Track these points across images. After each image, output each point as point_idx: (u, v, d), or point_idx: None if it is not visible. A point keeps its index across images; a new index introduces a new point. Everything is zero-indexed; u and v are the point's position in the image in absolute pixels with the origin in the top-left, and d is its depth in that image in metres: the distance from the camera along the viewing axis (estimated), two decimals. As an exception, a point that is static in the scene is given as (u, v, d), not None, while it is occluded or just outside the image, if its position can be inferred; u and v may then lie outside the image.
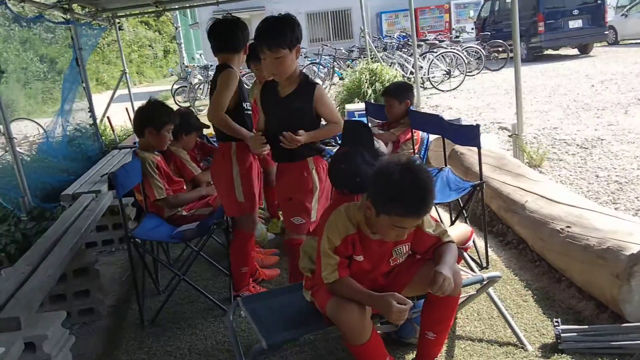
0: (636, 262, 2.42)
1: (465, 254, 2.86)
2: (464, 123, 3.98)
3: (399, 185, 1.90)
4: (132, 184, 3.22)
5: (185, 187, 3.62)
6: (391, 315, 1.94)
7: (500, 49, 14.09)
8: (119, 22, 9.08)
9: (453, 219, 3.68)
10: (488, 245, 3.50)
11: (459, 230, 2.97)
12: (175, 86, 15.48)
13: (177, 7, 9.67)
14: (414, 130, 4.08)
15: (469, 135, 3.25)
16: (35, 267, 2.94)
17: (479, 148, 3.19)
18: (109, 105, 8.79)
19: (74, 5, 6.61)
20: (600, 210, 3.07)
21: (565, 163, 5.23)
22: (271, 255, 3.82)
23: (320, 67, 14.21)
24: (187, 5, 11.10)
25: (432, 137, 4.53)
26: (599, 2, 15.22)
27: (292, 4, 18.51)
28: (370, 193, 2.01)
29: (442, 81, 11.50)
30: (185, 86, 14.66)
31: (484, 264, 3.33)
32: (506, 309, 2.76)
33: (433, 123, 3.66)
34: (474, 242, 3.46)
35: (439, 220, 4.01)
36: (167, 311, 3.19)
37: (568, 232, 2.94)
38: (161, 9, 7.86)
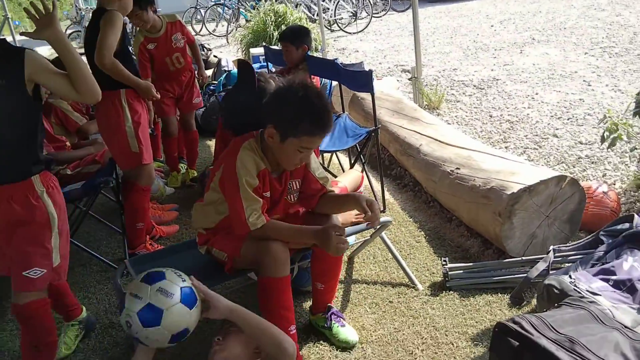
0: (516, 200, 2.55)
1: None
2: (366, 67, 3.94)
3: (305, 103, 1.86)
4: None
5: (68, 144, 3.38)
6: (330, 246, 1.91)
7: (405, -11, 14.10)
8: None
9: (352, 162, 3.70)
10: (385, 188, 3.56)
11: (350, 177, 2.99)
12: (69, 31, 14.38)
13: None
14: (312, 76, 4.00)
15: (362, 81, 3.23)
16: None
17: (372, 94, 3.18)
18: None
19: None
20: (487, 151, 3.18)
21: (462, 104, 5.39)
22: (169, 210, 3.70)
23: (225, 8, 13.65)
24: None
25: (335, 82, 4.49)
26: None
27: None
28: (274, 118, 1.92)
29: (349, 23, 11.40)
30: (80, 31, 13.67)
31: (381, 208, 3.39)
32: (400, 251, 2.85)
33: (329, 69, 3.60)
34: (371, 185, 3.52)
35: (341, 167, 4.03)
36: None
37: (457, 173, 3.04)
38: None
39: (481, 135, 4.49)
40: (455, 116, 5.07)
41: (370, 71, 3.20)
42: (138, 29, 3.83)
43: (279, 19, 9.23)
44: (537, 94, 5.32)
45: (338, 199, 2.21)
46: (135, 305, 1.62)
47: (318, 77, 4.20)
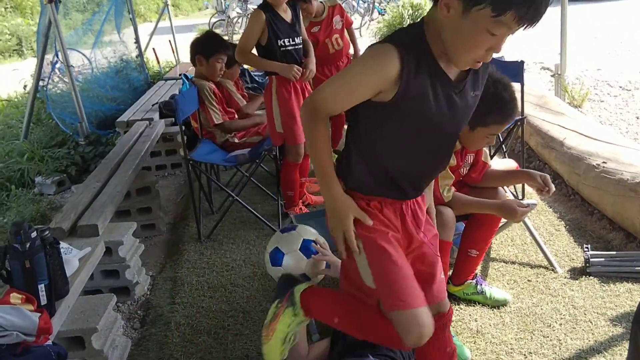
0: (667, 194, 2.57)
1: (505, 188, 3.02)
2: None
3: (496, 97, 2.07)
4: (190, 111, 3.44)
5: (237, 117, 3.83)
6: (516, 217, 2.18)
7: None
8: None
9: (492, 154, 3.81)
10: (524, 179, 3.65)
11: (506, 164, 3.10)
12: (213, 20, 15.43)
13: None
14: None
15: (514, 71, 3.33)
16: (104, 184, 3.24)
17: (522, 84, 3.28)
18: (151, 36, 8.94)
19: None
20: (636, 147, 3.17)
21: (607, 104, 5.25)
22: (316, 182, 4.04)
23: (360, 1, 13.98)
24: None
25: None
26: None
27: None
28: None
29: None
30: (223, 20, 14.61)
31: (520, 197, 3.49)
32: (539, 237, 2.95)
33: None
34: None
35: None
36: (222, 229, 3.47)
37: (603, 167, 3.08)
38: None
39: (627, 135, 4.39)
40: (599, 116, 4.96)
41: (522, 62, 3.30)
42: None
43: (417, 13, 9.38)
44: (691, 98, 5.06)
45: (507, 175, 2.45)
46: (268, 247, 2.03)
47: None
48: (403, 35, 1.45)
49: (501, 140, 3.66)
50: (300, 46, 3.26)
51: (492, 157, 3.72)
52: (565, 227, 3.14)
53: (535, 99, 4.35)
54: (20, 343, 1.64)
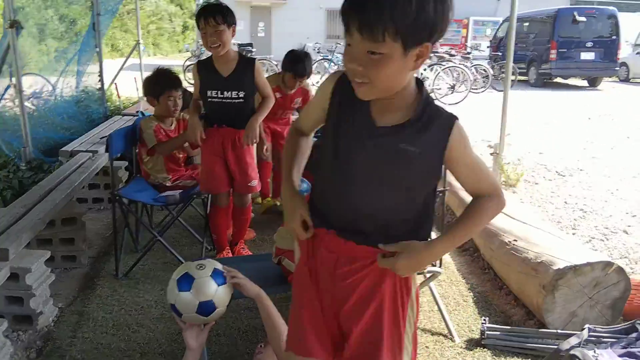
0: (561, 276, 2.71)
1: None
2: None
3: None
4: (124, 147, 3.50)
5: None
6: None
7: (509, 70, 14.35)
8: (140, -6, 9.31)
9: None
10: (446, 249, 3.78)
11: None
12: (187, 62, 15.73)
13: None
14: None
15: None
16: (28, 209, 3.23)
17: (446, 158, 3.46)
18: (118, 72, 9.04)
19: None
20: (548, 229, 3.35)
21: (540, 187, 5.50)
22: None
23: (332, 63, 14.49)
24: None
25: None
26: (613, 37, 15.46)
27: (313, -2, 18.85)
28: None
29: (445, 94, 11.76)
30: (197, 64, 14.85)
31: (437, 265, 3.60)
32: (446, 305, 3.04)
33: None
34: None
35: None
36: (142, 268, 3.47)
37: (513, 244, 3.22)
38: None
39: (552, 218, 4.60)
40: (531, 197, 5.20)
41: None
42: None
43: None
44: (618, 189, 5.35)
45: None
46: (177, 274, 2.04)
47: None
48: None
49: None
50: (237, 101, 3.28)
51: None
52: (473, 298, 3.25)
53: (468, 174, 4.55)
54: None
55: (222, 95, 3.27)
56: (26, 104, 8.39)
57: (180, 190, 3.57)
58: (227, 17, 3.15)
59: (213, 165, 3.38)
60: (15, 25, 4.57)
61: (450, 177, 4.17)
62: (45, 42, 15.66)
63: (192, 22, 33.34)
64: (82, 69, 7.87)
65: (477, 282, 3.48)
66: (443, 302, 2.98)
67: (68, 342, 2.67)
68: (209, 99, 3.28)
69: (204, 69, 3.28)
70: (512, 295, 3.20)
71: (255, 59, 3.46)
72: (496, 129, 8.48)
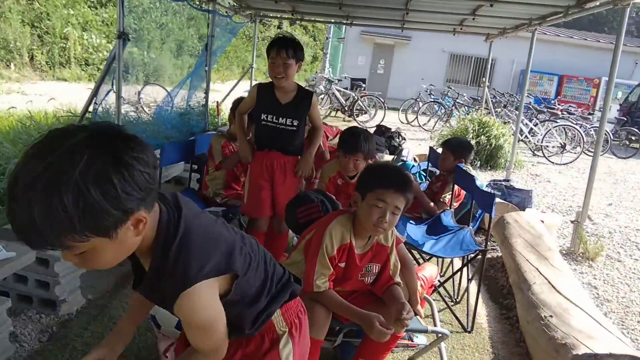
0: (578, 363, 2.43)
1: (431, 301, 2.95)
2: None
3: (382, 168, 2.34)
4: (180, 159, 3.71)
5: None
6: (373, 333, 2.09)
7: (633, 137, 13.29)
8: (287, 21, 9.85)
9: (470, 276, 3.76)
10: (488, 313, 3.54)
11: (429, 271, 3.05)
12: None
13: (310, 19, 10.29)
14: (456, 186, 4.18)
15: (486, 201, 3.34)
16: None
17: (490, 215, 3.27)
18: (229, 92, 9.61)
19: (220, -1, 7.42)
20: (588, 310, 3.03)
21: (622, 265, 4.99)
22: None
23: (441, 107, 14.31)
24: (321, 20, 11.60)
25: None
26: None
27: (436, 41, 18.79)
28: (358, 186, 2.30)
29: (555, 153, 11.11)
30: (309, 93, 15.33)
31: (468, 327, 3.38)
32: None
33: (468, 182, 3.76)
34: (468, 304, 3.54)
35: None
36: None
37: (548, 320, 2.95)
38: (296, 17, 8.54)
39: (621, 302, 4.14)
40: (607, 274, 4.72)
41: (494, 194, 3.30)
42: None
43: (481, 129, 9.47)
44: None
45: (386, 294, 2.38)
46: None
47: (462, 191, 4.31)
48: None
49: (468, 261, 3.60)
50: (290, 128, 3.38)
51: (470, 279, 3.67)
52: (494, 369, 3.01)
53: (531, 238, 4.25)
54: None
55: (276, 121, 3.38)
56: (146, 109, 9.24)
57: (224, 208, 3.70)
58: (297, 52, 3.26)
59: (260, 190, 3.47)
60: (123, 37, 5.03)
61: (514, 244, 3.93)
62: (181, 58, 17.05)
63: (321, 54, 34.56)
64: (196, 84, 8.45)
65: (505, 354, 3.21)
66: (454, 367, 2.79)
67: (77, 333, 2.84)
68: (263, 122, 3.39)
69: (264, 92, 3.40)
70: (535, 375, 2.93)
71: (313, 92, 3.52)
72: (597, 197, 7.93)
